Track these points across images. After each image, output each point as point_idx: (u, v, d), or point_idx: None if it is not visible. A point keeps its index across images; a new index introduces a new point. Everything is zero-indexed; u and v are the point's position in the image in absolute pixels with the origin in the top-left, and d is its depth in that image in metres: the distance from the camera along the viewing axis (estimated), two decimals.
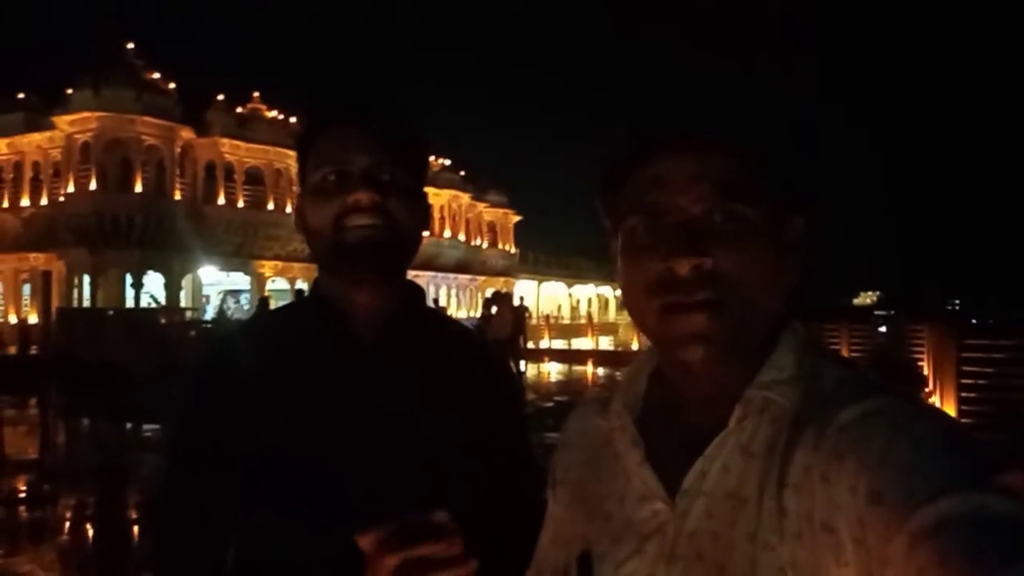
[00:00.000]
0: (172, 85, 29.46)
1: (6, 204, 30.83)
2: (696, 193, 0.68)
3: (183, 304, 29.18)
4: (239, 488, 1.02)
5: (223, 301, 31.70)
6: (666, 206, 0.69)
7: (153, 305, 27.46)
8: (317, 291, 1.13)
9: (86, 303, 27.44)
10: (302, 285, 29.39)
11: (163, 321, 23.81)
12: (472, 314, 38.02)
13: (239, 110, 31.86)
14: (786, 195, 0.71)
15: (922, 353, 14.75)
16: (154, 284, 28.74)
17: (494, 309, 14.43)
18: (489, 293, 18.34)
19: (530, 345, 26.66)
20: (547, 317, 40.99)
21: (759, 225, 0.68)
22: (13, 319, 28.91)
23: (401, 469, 1.02)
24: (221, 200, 31.02)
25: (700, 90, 0.76)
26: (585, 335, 36.86)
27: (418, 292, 1.18)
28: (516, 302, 16.20)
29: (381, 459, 1.02)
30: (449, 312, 23.13)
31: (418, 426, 1.04)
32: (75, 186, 27.95)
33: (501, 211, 48.43)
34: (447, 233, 42.46)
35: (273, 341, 1.11)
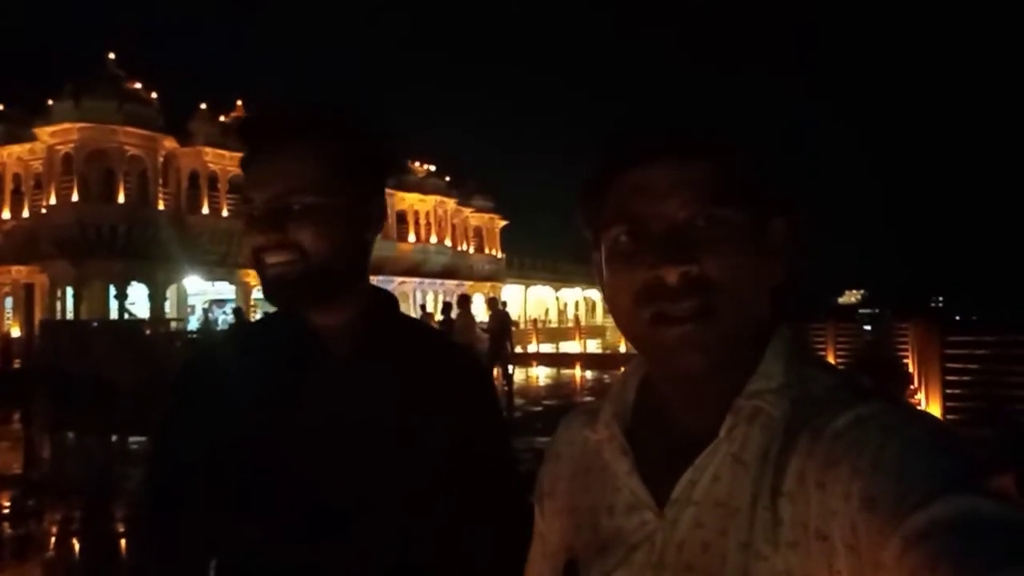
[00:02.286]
0: (154, 95, 29.25)
1: None
2: (679, 199, 0.68)
3: (168, 314, 28.98)
4: (218, 500, 1.02)
5: (208, 311, 31.48)
6: (650, 214, 0.68)
7: (133, 317, 27.22)
8: None
9: (69, 315, 27.18)
10: None
11: (148, 332, 23.63)
12: None
13: (222, 119, 31.69)
14: (769, 198, 0.71)
15: (907, 351, 14.86)
16: (138, 295, 28.53)
17: (454, 314, 14.21)
18: (452, 297, 17.96)
19: (516, 349, 26.75)
20: (535, 321, 40.99)
21: (743, 229, 0.68)
22: None
23: (375, 480, 1.02)
24: (205, 209, 30.85)
25: (680, 95, 0.75)
26: (573, 338, 36.88)
27: (386, 301, 1.16)
28: (500, 307, 16.00)
29: (352, 471, 1.02)
30: (436, 318, 23.07)
31: (392, 436, 1.04)
32: (57, 198, 27.69)
33: (487, 216, 48.43)
34: (433, 239, 42.41)
35: (247, 355, 1.11)
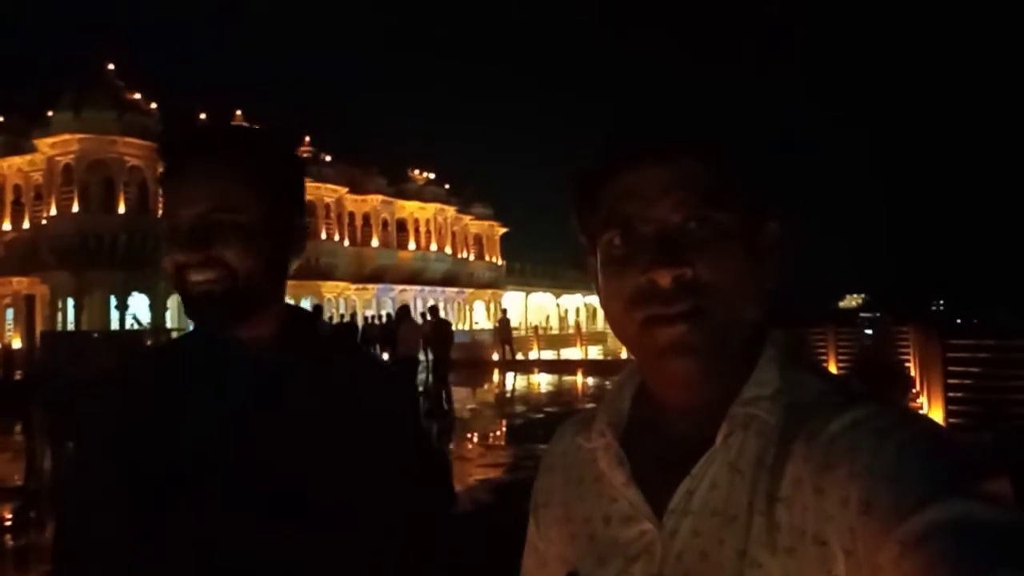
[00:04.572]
0: (154, 105, 29.38)
1: None
2: (671, 202, 0.67)
3: (169, 325, 28.98)
4: (129, 528, 0.98)
5: None
6: (642, 217, 0.68)
7: (137, 327, 27.22)
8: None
9: (70, 326, 27.20)
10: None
11: (149, 343, 23.61)
12: (461, 327, 38.03)
13: None
14: (762, 200, 0.71)
15: (908, 355, 14.86)
16: (139, 305, 28.52)
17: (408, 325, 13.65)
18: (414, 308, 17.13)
19: (518, 356, 26.70)
20: (535, 328, 40.96)
21: (736, 231, 0.68)
22: None
23: (299, 487, 1.00)
24: None
25: (670, 98, 0.75)
26: (574, 345, 36.86)
27: (303, 316, 1.15)
28: (440, 315, 15.34)
29: (278, 480, 1.00)
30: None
31: (314, 444, 1.03)
32: (57, 208, 27.78)
33: (487, 223, 48.53)
34: (433, 246, 42.47)
35: (167, 372, 1.09)
